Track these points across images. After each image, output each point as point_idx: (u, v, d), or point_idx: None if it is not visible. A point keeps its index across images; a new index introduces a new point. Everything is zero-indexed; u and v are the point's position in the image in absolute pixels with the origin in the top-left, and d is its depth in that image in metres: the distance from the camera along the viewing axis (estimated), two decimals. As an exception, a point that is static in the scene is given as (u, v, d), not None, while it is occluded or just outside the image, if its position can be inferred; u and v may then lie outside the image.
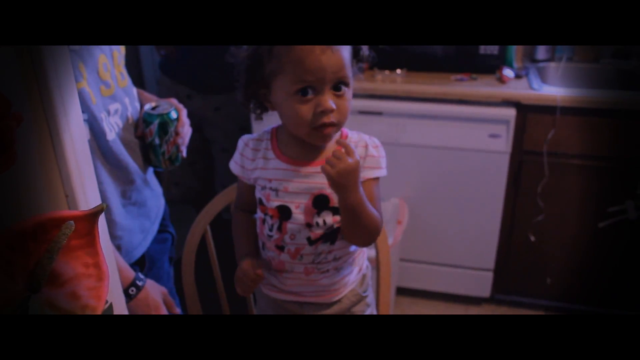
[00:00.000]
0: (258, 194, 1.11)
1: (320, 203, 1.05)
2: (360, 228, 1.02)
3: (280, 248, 1.08)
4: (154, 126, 1.21)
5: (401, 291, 2.43)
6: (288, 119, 1.02)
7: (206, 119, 2.29)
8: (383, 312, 1.32)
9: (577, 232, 2.12)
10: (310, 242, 1.06)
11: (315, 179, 1.05)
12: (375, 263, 1.32)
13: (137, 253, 1.25)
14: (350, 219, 1.01)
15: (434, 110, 2.04)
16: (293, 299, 1.15)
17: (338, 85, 0.97)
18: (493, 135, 2.01)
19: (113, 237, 1.16)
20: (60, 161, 0.71)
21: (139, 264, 1.27)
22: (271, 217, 1.08)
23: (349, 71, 0.98)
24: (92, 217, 0.52)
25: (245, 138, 1.14)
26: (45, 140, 0.69)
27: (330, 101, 0.96)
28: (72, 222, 0.50)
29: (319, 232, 1.05)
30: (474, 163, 2.07)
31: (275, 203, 1.07)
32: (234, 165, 1.14)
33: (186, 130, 1.28)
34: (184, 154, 1.28)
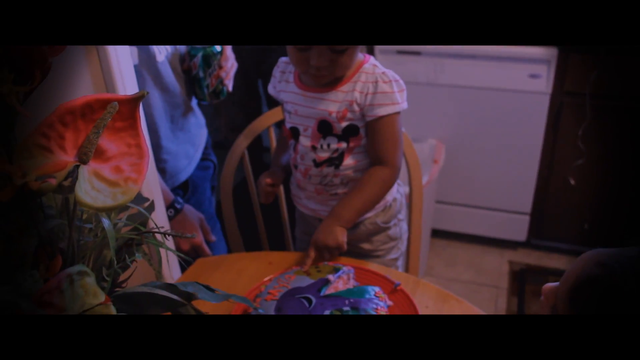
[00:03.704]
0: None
1: (324, 128, 1.10)
2: (375, 203, 1.15)
3: (295, 167, 1.18)
4: (198, 59, 1.26)
5: (437, 233, 2.46)
6: (289, 56, 1.08)
7: (268, 50, 2.27)
8: (414, 249, 1.34)
9: (618, 176, 2.09)
10: (316, 164, 1.13)
11: (320, 105, 1.09)
12: (408, 200, 1.34)
13: (182, 177, 1.32)
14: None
15: (473, 50, 2.01)
16: (313, 215, 1.23)
17: (333, 48, 0.99)
18: (533, 76, 1.98)
19: (159, 160, 1.23)
20: (105, 68, 0.77)
21: (183, 188, 1.34)
22: (288, 137, 1.17)
23: None
24: (134, 101, 0.57)
25: (280, 60, 1.20)
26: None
27: (322, 60, 1.00)
28: (115, 102, 0.55)
29: (323, 155, 1.11)
30: (513, 104, 2.05)
31: (289, 124, 1.15)
32: (269, 87, 1.21)
33: (230, 64, 1.32)
34: (230, 88, 1.33)
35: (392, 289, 0.96)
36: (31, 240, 0.52)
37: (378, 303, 0.88)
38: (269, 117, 1.34)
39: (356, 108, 1.07)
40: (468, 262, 2.36)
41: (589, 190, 2.15)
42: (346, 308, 0.85)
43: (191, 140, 1.34)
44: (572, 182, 2.13)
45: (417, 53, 2.07)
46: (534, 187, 2.20)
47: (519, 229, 2.32)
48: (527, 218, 2.28)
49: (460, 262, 2.37)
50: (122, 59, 0.76)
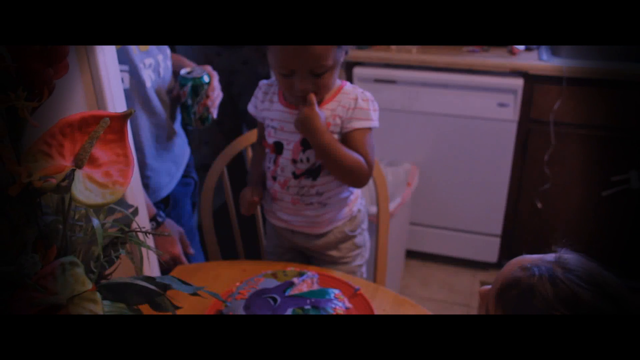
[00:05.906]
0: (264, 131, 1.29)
1: (307, 142, 1.22)
2: (336, 166, 1.19)
3: (274, 178, 1.28)
4: (187, 88, 1.38)
5: (411, 254, 2.56)
6: (277, 82, 1.21)
7: (235, 73, 2.39)
8: (380, 268, 1.46)
9: (581, 200, 2.21)
10: (295, 176, 1.25)
11: None
12: (376, 221, 1.45)
13: (163, 193, 1.42)
14: (323, 157, 1.19)
15: (446, 80, 2.15)
16: (286, 227, 1.33)
17: (313, 72, 1.12)
18: (501, 104, 2.11)
19: (143, 176, 1.34)
20: (97, 88, 0.87)
21: (164, 203, 1.44)
22: (270, 151, 1.27)
23: (326, 60, 1.11)
24: (123, 118, 0.68)
25: (261, 83, 1.32)
26: (85, 69, 0.85)
27: (305, 83, 1.13)
28: (107, 118, 0.65)
29: (302, 167, 1.23)
30: (483, 131, 2.18)
31: (272, 139, 1.26)
32: (250, 106, 1.33)
33: (216, 94, 1.45)
34: (215, 115, 1.45)
35: (353, 293, 1.06)
36: (33, 230, 0.62)
37: (337, 303, 0.98)
38: (247, 139, 1.45)
39: (338, 121, 1.21)
40: (441, 282, 2.46)
41: (555, 213, 2.27)
42: (307, 307, 0.95)
43: (174, 159, 1.44)
44: (539, 205, 2.25)
45: (393, 82, 2.21)
46: (503, 210, 2.32)
47: (490, 250, 2.43)
48: (497, 240, 2.39)
49: (434, 282, 2.46)
50: (113, 81, 0.86)
